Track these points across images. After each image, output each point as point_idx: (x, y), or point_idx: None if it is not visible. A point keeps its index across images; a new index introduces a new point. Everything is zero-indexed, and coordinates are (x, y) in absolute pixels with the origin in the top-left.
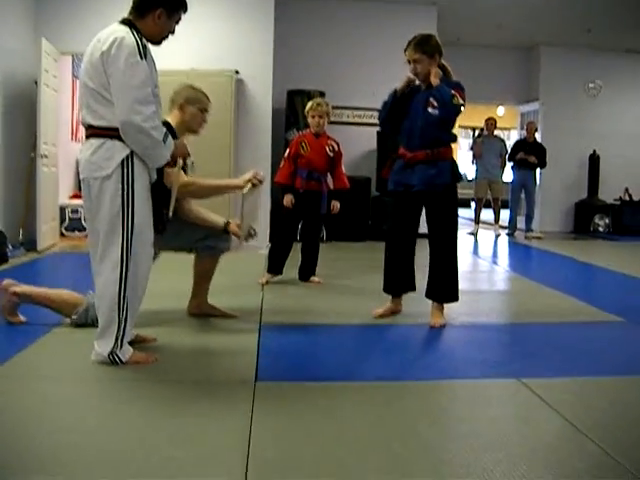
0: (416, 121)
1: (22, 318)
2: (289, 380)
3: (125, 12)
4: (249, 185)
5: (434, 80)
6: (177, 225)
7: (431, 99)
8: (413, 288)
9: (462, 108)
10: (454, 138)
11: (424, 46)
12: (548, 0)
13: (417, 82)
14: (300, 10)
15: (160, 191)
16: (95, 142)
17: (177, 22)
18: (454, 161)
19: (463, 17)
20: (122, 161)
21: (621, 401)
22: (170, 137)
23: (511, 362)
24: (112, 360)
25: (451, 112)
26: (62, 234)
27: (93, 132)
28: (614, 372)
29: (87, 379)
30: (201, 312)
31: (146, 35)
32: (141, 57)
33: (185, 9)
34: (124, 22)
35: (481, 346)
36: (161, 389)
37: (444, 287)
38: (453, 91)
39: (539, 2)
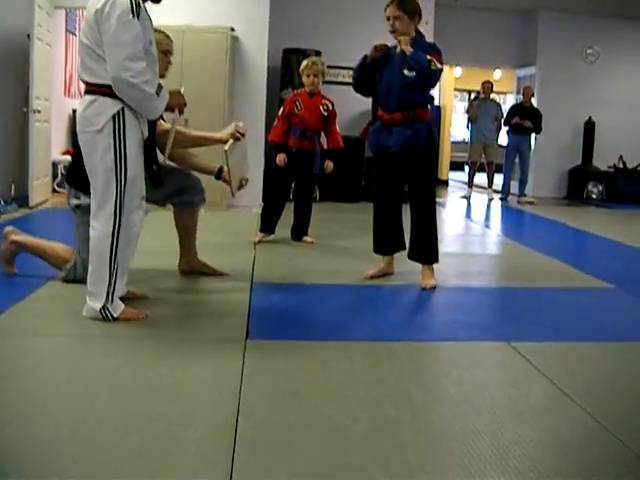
0: (392, 83)
1: (15, 270)
2: (280, 339)
3: None
4: (231, 140)
5: (405, 48)
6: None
7: (406, 64)
8: (403, 247)
9: (440, 72)
10: (431, 100)
11: (405, 5)
12: None
13: (389, 45)
14: None
15: (152, 147)
16: (89, 98)
17: None
18: (430, 124)
19: None
20: (113, 116)
21: (608, 366)
22: (164, 89)
23: (501, 326)
24: (104, 315)
25: (430, 78)
26: (54, 190)
27: (88, 89)
28: (602, 338)
29: (75, 335)
30: (192, 269)
31: None
32: (134, 15)
33: None
34: None
35: (472, 309)
36: (150, 346)
37: (423, 248)
38: (429, 56)
39: None
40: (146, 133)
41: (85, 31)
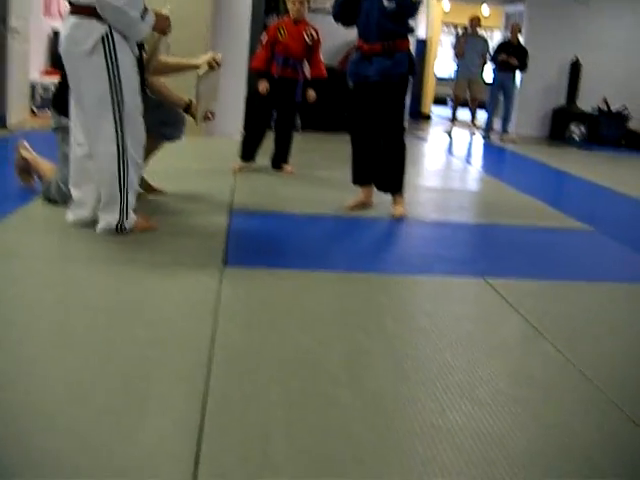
0: (372, 14)
1: (32, 182)
2: (257, 266)
3: None
4: (206, 66)
5: None
6: None
7: None
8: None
9: (420, 3)
10: (411, 30)
11: None
12: None
13: None
14: None
15: (141, 67)
16: (75, 19)
17: None
18: (410, 52)
19: None
20: (102, 37)
21: (581, 305)
22: (150, 12)
23: (477, 261)
24: (119, 230)
25: (410, 9)
26: (32, 112)
27: (73, 9)
28: (577, 278)
29: (53, 258)
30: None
31: None
32: None
33: None
34: None
35: (449, 243)
36: (128, 270)
37: (389, 178)
38: None
39: None
40: (136, 52)
41: None
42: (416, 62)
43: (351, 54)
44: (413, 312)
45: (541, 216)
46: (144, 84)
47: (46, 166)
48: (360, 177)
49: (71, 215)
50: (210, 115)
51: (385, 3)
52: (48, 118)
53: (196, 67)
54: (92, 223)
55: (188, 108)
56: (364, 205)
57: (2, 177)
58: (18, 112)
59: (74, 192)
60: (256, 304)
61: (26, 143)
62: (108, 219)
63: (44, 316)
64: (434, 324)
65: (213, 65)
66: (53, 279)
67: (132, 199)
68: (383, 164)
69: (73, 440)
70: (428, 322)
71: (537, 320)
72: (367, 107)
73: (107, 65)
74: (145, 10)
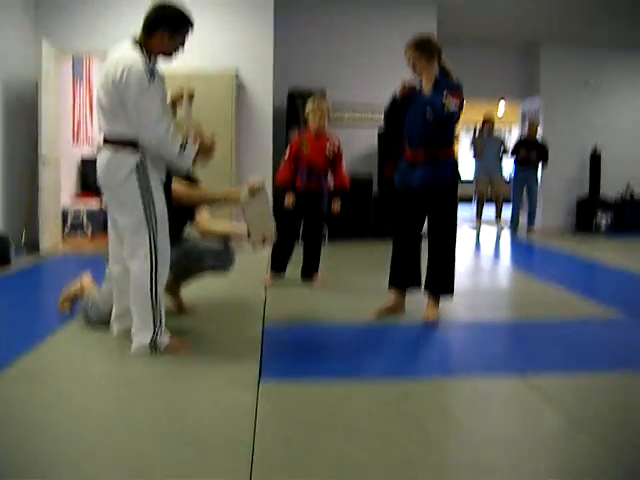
0: (415, 124)
1: (69, 310)
2: (293, 378)
3: (124, 14)
4: (247, 195)
5: (426, 87)
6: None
7: (427, 105)
8: (419, 283)
9: (458, 111)
10: (452, 140)
11: (423, 47)
12: None
13: (416, 85)
14: (300, 9)
15: (168, 192)
16: (110, 152)
17: (184, 38)
18: (455, 161)
19: (463, 14)
20: (136, 165)
21: (621, 396)
22: (189, 143)
23: (512, 358)
24: (152, 349)
25: (445, 120)
26: (64, 236)
27: (108, 143)
28: (614, 368)
29: (96, 379)
30: (180, 308)
31: (155, 52)
32: (149, 81)
33: (190, 27)
34: (134, 42)
35: (483, 343)
36: (162, 386)
37: (439, 278)
38: (446, 98)
39: None
40: (163, 178)
41: (104, 91)
42: (458, 169)
43: (396, 161)
44: (453, 415)
45: (573, 307)
46: (170, 206)
47: (89, 284)
48: (398, 280)
49: (115, 326)
50: (268, 237)
51: (427, 114)
52: (80, 242)
53: (237, 199)
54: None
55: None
56: (394, 310)
57: (37, 300)
58: (50, 237)
59: (116, 305)
60: (294, 418)
61: (90, 276)
62: (141, 340)
63: (91, 430)
64: (473, 425)
65: (254, 191)
66: (94, 398)
67: (163, 318)
68: (433, 264)
69: None
70: (469, 424)
71: (578, 414)
72: (411, 213)
73: (140, 192)
74: (186, 142)
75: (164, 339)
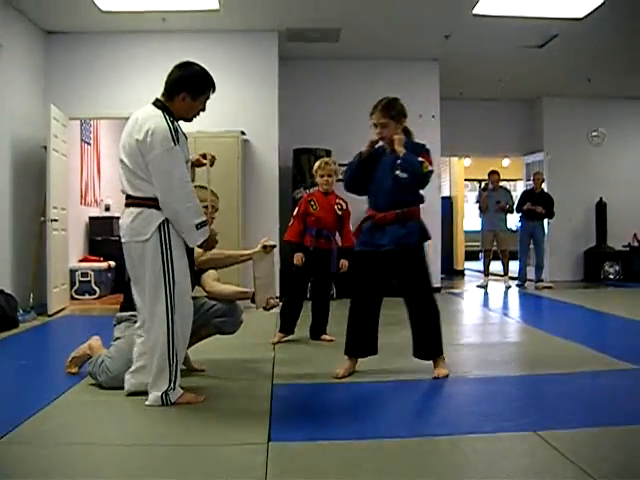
0: (384, 183)
1: (76, 371)
2: (302, 440)
3: (132, 80)
4: (261, 252)
5: (398, 149)
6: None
7: (398, 165)
8: (375, 351)
9: (431, 174)
10: (422, 199)
11: (390, 110)
12: (547, 53)
13: (382, 144)
14: (304, 68)
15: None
16: (134, 210)
17: (205, 101)
18: (421, 220)
19: (464, 71)
20: (159, 226)
21: (637, 450)
22: (207, 227)
23: (526, 415)
24: (164, 401)
25: (422, 181)
26: (72, 297)
27: (132, 202)
28: (629, 421)
29: (107, 440)
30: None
31: (177, 115)
32: (174, 142)
33: (212, 89)
34: (157, 104)
35: (495, 399)
36: (171, 447)
37: (428, 345)
38: (421, 158)
39: (538, 55)
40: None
41: (126, 152)
42: (427, 229)
43: (363, 225)
44: (465, 473)
45: (584, 360)
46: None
47: (98, 346)
48: (355, 349)
49: (131, 380)
50: (272, 301)
51: (398, 173)
52: (88, 303)
53: (249, 258)
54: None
55: (253, 297)
56: (353, 371)
57: (45, 362)
58: (59, 298)
59: (137, 360)
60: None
61: (99, 338)
62: (155, 392)
63: None
64: None
65: (268, 249)
66: (99, 459)
67: (178, 374)
68: (418, 331)
69: None
70: None
71: (594, 470)
72: (377, 276)
73: (161, 250)
74: (203, 223)
75: (176, 394)
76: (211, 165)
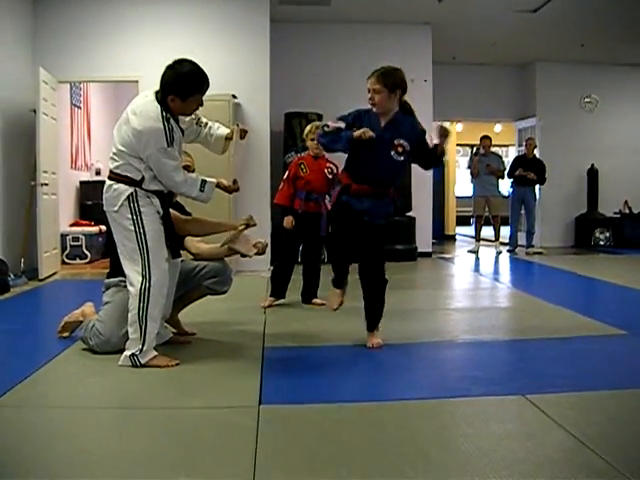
0: (376, 167)
1: (68, 335)
2: (293, 403)
3: (121, 42)
4: (243, 226)
5: (443, 148)
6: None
7: (397, 142)
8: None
9: (444, 157)
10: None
11: (386, 78)
12: (541, 17)
13: (373, 135)
14: (295, 32)
15: (167, 222)
16: (109, 183)
17: (200, 99)
18: (394, 197)
19: (457, 36)
20: (128, 197)
21: (625, 414)
22: (208, 182)
23: (515, 378)
24: (132, 362)
25: (437, 163)
26: (63, 262)
27: (110, 175)
28: (617, 386)
29: (87, 407)
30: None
31: (173, 112)
32: (167, 144)
33: (202, 89)
34: (158, 96)
35: (484, 363)
36: (162, 416)
37: (368, 314)
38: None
39: (532, 19)
40: (160, 210)
41: (119, 134)
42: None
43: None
44: (454, 436)
45: (573, 326)
46: (172, 237)
47: (91, 312)
48: (342, 283)
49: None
50: (259, 244)
51: (393, 154)
52: (79, 267)
53: (233, 228)
54: None
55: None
56: (342, 303)
57: (36, 326)
58: (50, 263)
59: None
60: (295, 442)
61: (92, 305)
62: (126, 353)
63: (85, 455)
64: (476, 446)
65: (250, 224)
66: (90, 421)
67: (152, 336)
68: (366, 302)
69: None
70: (470, 445)
71: (582, 433)
72: (351, 237)
73: (132, 218)
74: (202, 185)
75: (148, 355)
76: (241, 138)
